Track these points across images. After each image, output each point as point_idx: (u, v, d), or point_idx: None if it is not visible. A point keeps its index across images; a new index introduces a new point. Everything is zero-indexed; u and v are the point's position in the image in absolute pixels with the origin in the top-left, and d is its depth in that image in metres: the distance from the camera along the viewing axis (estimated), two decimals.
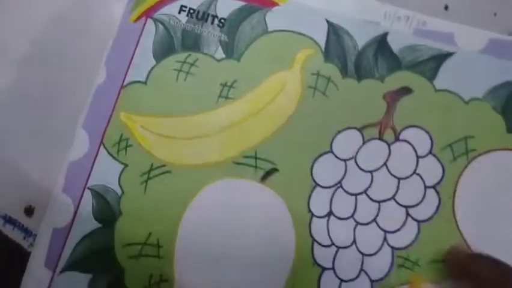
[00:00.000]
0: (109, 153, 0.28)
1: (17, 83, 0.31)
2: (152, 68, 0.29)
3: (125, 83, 0.29)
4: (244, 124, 0.28)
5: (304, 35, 0.28)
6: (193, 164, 0.28)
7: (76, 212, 0.28)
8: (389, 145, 0.27)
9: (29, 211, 0.29)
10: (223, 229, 0.27)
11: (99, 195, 0.28)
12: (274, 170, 0.27)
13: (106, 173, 0.28)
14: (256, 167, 0.27)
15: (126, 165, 0.28)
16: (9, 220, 0.30)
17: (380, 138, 0.27)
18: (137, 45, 0.29)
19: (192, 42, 0.29)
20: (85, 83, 0.29)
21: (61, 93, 0.31)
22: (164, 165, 0.28)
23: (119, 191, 0.28)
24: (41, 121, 0.30)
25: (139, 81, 0.29)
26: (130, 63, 0.29)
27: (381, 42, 0.28)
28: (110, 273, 0.27)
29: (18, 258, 0.28)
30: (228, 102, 0.28)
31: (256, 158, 0.27)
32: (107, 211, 0.28)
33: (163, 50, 0.29)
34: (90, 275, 0.27)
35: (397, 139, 0.27)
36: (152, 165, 0.28)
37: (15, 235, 0.29)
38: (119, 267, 0.27)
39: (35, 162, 0.30)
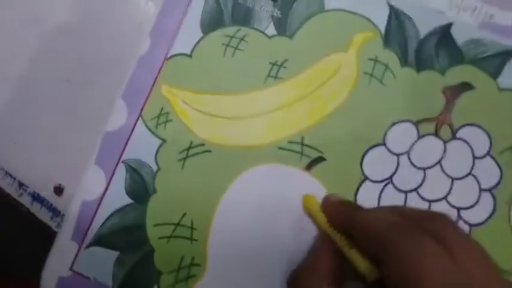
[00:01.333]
0: (147, 126, 0.27)
1: (52, 52, 0.30)
2: (198, 41, 0.27)
3: (169, 55, 0.27)
4: (292, 107, 0.26)
5: (363, 16, 0.26)
6: (235, 145, 0.26)
7: (107, 186, 0.26)
8: (445, 142, 0.26)
9: (58, 190, 0.28)
10: (261, 216, 0.26)
11: (133, 169, 0.27)
12: (321, 159, 0.26)
13: (143, 147, 0.26)
14: (302, 153, 0.26)
15: (164, 141, 0.27)
16: (37, 198, 0.28)
17: (436, 135, 0.26)
18: (184, 16, 0.27)
19: (243, 16, 0.27)
20: (127, 54, 0.28)
21: (100, 64, 0.29)
22: (203, 144, 0.26)
23: (155, 167, 0.26)
24: (77, 93, 0.29)
25: (184, 54, 0.27)
26: (175, 34, 0.27)
27: (444, 33, 0.26)
28: (138, 252, 0.26)
29: (44, 238, 0.27)
30: (276, 83, 0.26)
31: (302, 144, 0.26)
32: (140, 187, 0.26)
33: (212, 22, 0.27)
34: (117, 253, 0.26)
35: (454, 137, 0.26)
36: (191, 142, 0.26)
37: (43, 214, 0.28)
38: (149, 246, 0.26)
39: (68, 137, 0.28)
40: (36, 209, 0.28)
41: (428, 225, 0.17)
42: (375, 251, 0.18)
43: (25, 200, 0.29)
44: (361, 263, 0.19)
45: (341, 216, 0.21)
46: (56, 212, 0.28)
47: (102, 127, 0.27)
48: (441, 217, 0.18)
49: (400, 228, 0.17)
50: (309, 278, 0.19)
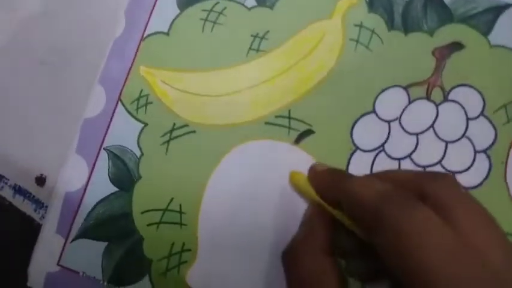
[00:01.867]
0: (127, 110, 0.26)
1: (25, 38, 0.28)
2: (175, 18, 0.26)
3: (145, 35, 0.26)
4: (277, 80, 0.25)
5: None
6: (220, 124, 0.25)
7: (90, 175, 0.25)
8: (436, 105, 0.25)
9: (40, 180, 0.27)
10: (251, 194, 0.25)
11: (116, 156, 0.25)
12: (309, 132, 0.25)
13: (124, 132, 0.25)
14: (289, 127, 0.25)
15: (146, 124, 0.25)
16: (19, 190, 0.27)
17: (427, 98, 0.25)
18: None
19: None
20: (102, 36, 0.27)
21: (74, 48, 0.28)
22: (187, 125, 0.25)
23: (138, 152, 0.25)
24: (53, 79, 0.28)
25: (161, 32, 0.26)
26: (151, 12, 0.26)
27: None
28: (127, 241, 0.25)
29: (29, 231, 0.26)
30: (259, 56, 0.25)
31: (290, 117, 0.25)
32: (124, 174, 0.25)
33: None
34: (105, 243, 0.25)
35: (446, 99, 0.25)
36: (174, 124, 0.25)
37: (26, 207, 0.27)
38: (138, 235, 0.25)
39: (47, 125, 0.27)
40: (18, 202, 0.27)
41: (427, 188, 0.16)
42: (366, 224, 0.16)
43: (6, 193, 0.27)
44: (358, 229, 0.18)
45: (328, 186, 0.19)
46: (39, 204, 0.27)
47: (81, 113, 0.26)
48: (444, 178, 0.16)
49: (392, 199, 0.16)
50: (304, 250, 0.18)
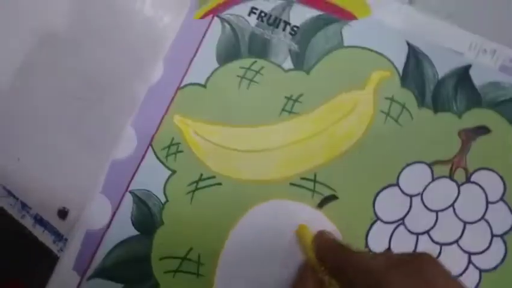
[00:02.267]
0: (157, 156, 0.26)
1: (62, 68, 0.29)
2: (213, 71, 0.26)
3: (182, 84, 0.27)
4: (306, 143, 0.26)
5: (382, 54, 0.26)
6: (246, 179, 0.26)
7: (113, 216, 0.26)
8: (458, 186, 0.25)
9: (62, 213, 0.27)
10: (270, 252, 0.25)
11: (141, 200, 0.26)
12: (333, 197, 0.25)
13: (151, 177, 0.26)
14: (314, 191, 0.25)
15: (174, 172, 0.26)
16: (40, 221, 0.27)
17: (451, 177, 0.25)
18: (200, 44, 0.27)
19: (260, 48, 0.26)
20: (139, 79, 0.27)
21: (111, 82, 0.28)
22: (214, 177, 0.26)
23: (163, 199, 0.26)
24: (86, 112, 0.28)
25: (198, 84, 0.26)
26: (190, 63, 0.27)
27: (463, 75, 0.26)
28: (143, 286, 0.25)
29: (46, 262, 0.26)
30: (291, 117, 0.26)
31: (315, 181, 0.25)
32: (147, 218, 0.26)
33: (228, 53, 0.26)
34: (121, 285, 0.25)
35: (468, 180, 0.25)
36: (202, 175, 0.26)
37: (45, 238, 0.27)
38: (154, 280, 0.25)
39: (75, 160, 0.28)
40: (38, 232, 0.28)
41: (413, 266, 0.18)
42: None
43: (27, 222, 0.28)
44: None
45: (333, 254, 0.22)
46: (59, 236, 0.27)
47: (110, 153, 0.27)
48: (425, 256, 0.19)
49: (398, 268, 0.18)
50: None
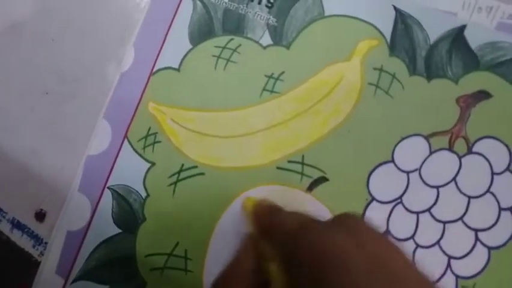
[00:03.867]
0: (133, 149, 0.25)
1: (29, 63, 0.27)
2: (187, 53, 0.25)
3: (155, 69, 0.25)
4: (291, 123, 0.24)
5: (367, 22, 0.24)
6: (230, 166, 0.24)
7: (93, 214, 0.25)
8: (459, 157, 0.23)
9: (40, 216, 0.26)
10: None
11: (120, 196, 0.25)
12: (323, 179, 0.24)
13: (130, 171, 0.24)
14: (302, 174, 0.24)
15: (153, 164, 0.25)
16: (17, 225, 0.26)
17: (450, 149, 0.23)
18: (170, 25, 0.25)
19: (235, 25, 0.25)
20: (109, 68, 0.26)
21: (81, 76, 0.27)
22: (196, 166, 0.24)
23: (143, 193, 0.24)
24: (55, 111, 0.27)
25: (171, 68, 0.25)
26: (161, 46, 0.25)
27: (457, 37, 0.23)
28: (129, 285, 0.24)
29: (26, 268, 0.25)
30: (273, 97, 0.24)
31: (303, 163, 0.24)
32: (129, 215, 0.24)
33: (201, 32, 0.25)
34: (106, 287, 0.24)
35: (470, 151, 0.23)
36: (183, 165, 0.24)
37: (24, 242, 0.26)
38: (141, 279, 0.24)
39: (48, 158, 0.26)
40: (16, 237, 0.26)
41: (340, 224, 0.18)
42: (287, 252, 0.18)
43: (4, 227, 0.27)
44: (273, 265, 0.18)
45: (264, 217, 0.21)
46: (38, 240, 0.26)
47: (84, 149, 0.25)
48: (351, 215, 0.19)
49: (311, 226, 0.18)
50: (227, 282, 0.19)
